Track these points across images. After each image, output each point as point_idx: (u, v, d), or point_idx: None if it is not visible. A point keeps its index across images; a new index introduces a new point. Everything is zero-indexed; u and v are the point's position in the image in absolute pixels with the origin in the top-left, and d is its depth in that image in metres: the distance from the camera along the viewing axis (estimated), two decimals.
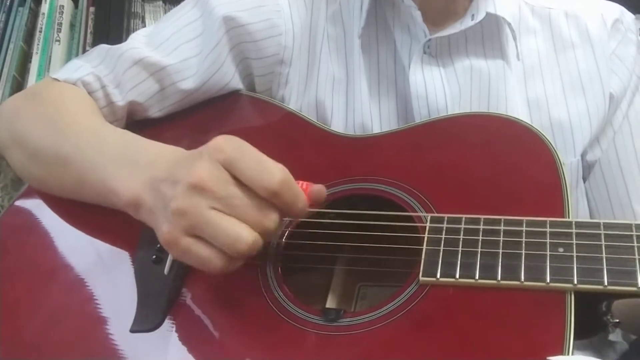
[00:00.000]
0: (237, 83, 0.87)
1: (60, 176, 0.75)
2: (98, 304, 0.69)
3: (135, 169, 0.67)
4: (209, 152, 0.61)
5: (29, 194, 0.81)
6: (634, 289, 0.56)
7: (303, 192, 0.63)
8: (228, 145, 0.61)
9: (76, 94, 0.82)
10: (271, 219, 0.60)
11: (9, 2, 1.59)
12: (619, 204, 0.84)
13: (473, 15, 0.83)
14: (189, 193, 0.60)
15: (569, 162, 0.82)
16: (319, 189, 0.65)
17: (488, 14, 0.82)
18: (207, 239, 0.60)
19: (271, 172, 0.60)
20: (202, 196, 0.59)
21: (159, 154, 0.68)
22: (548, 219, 0.62)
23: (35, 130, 0.79)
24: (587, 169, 0.86)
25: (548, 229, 0.61)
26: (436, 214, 0.66)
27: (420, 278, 0.61)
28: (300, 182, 0.63)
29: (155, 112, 0.86)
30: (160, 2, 1.68)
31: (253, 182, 0.60)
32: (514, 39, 0.84)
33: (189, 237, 0.60)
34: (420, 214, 0.66)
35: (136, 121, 0.86)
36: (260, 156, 0.61)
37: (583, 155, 0.85)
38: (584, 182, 0.86)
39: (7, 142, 0.82)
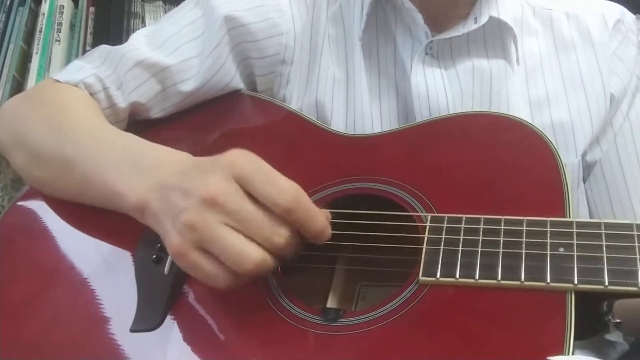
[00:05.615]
0: (238, 83, 0.87)
1: (64, 178, 0.75)
2: (98, 303, 0.69)
3: (140, 172, 0.67)
4: (223, 166, 0.61)
5: (30, 194, 0.81)
6: (635, 289, 0.56)
7: (322, 212, 0.62)
8: (242, 160, 0.61)
9: (78, 96, 0.82)
10: (281, 236, 0.60)
11: (9, 2, 1.59)
12: (619, 205, 0.84)
13: (476, 19, 0.82)
14: (201, 207, 0.59)
15: (569, 162, 0.82)
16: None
17: (491, 18, 0.82)
18: (215, 254, 0.60)
19: (283, 188, 0.60)
20: (214, 211, 0.59)
21: (164, 159, 0.68)
22: (549, 219, 0.62)
23: (38, 132, 0.79)
24: (587, 169, 0.86)
25: (549, 229, 0.61)
26: (436, 214, 0.66)
27: (420, 278, 0.61)
28: None
29: (157, 112, 0.86)
30: (160, 2, 1.68)
31: (266, 199, 0.60)
32: (515, 44, 0.84)
33: (197, 250, 0.60)
34: (421, 213, 0.66)
35: (138, 122, 0.86)
36: (275, 173, 0.61)
37: (583, 156, 0.85)
38: (584, 182, 0.86)
39: (9, 144, 0.82)
